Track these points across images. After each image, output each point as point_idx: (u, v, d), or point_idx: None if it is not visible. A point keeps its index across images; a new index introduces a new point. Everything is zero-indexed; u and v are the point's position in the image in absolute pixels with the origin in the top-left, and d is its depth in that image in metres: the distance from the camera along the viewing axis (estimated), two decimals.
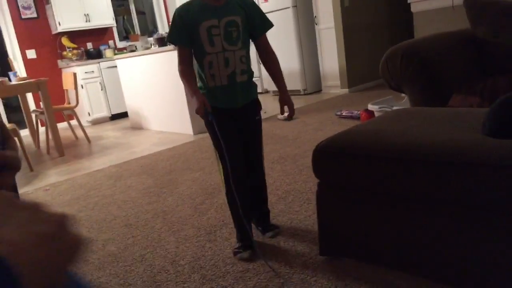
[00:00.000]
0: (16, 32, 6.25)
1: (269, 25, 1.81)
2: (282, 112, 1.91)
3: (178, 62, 1.76)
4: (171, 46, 4.42)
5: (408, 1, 4.84)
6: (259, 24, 1.78)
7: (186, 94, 4.32)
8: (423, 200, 1.34)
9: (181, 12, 1.69)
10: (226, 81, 1.71)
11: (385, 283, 1.44)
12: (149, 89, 4.98)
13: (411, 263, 1.43)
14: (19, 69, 6.17)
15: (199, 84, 1.78)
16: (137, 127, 5.50)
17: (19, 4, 6.26)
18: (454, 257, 1.31)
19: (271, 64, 1.86)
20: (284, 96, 1.87)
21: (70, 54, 6.49)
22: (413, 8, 4.82)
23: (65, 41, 6.54)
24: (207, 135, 1.82)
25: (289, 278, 1.57)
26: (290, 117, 1.92)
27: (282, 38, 5.68)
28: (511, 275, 1.20)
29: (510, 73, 2.07)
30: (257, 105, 1.85)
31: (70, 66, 6.33)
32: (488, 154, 1.18)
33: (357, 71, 5.61)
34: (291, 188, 2.46)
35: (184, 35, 1.70)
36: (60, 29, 6.31)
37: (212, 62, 1.69)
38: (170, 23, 1.75)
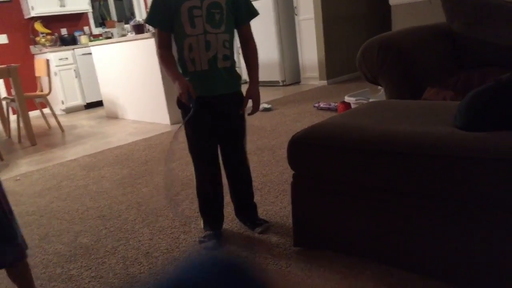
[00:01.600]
0: None
1: (254, 13, 1.75)
2: (245, 105, 1.78)
3: (157, 46, 1.69)
4: (148, 34, 4.34)
5: None
6: (245, 12, 1.71)
7: (164, 83, 4.26)
8: (396, 192, 1.36)
9: None
10: (206, 65, 1.64)
11: (357, 272, 1.45)
12: (125, 77, 4.88)
13: (384, 253, 1.45)
14: None
15: (179, 70, 1.71)
16: (113, 117, 5.40)
17: None
18: (425, 247, 1.33)
19: (249, 53, 1.79)
20: (252, 88, 1.77)
21: (43, 40, 6.28)
22: (391, 1, 4.85)
23: (38, 26, 6.33)
24: None
25: (263, 268, 1.56)
26: (252, 113, 1.80)
27: (262, 29, 5.64)
28: (480, 261, 1.23)
29: (483, 67, 2.10)
30: (241, 99, 1.78)
31: (43, 53, 6.14)
32: (459, 147, 1.20)
33: (335, 63, 5.63)
34: (267, 179, 2.45)
35: (164, 18, 1.64)
36: (33, 13, 6.10)
37: (192, 44, 1.62)
38: (150, 5, 1.69)
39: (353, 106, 3.53)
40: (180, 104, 1.73)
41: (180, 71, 1.70)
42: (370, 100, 3.19)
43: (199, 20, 1.60)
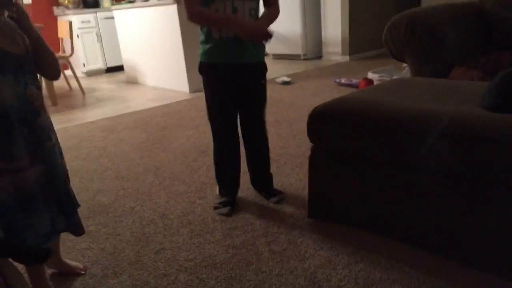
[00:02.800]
0: None
1: None
2: (250, 31, 1.59)
3: (189, 6, 1.58)
4: (170, 0, 4.29)
5: None
6: None
7: (184, 51, 4.24)
8: (414, 169, 1.35)
9: None
10: (232, 33, 1.61)
11: (369, 246, 1.46)
12: (146, 43, 4.87)
13: (398, 229, 1.45)
14: None
15: (201, 37, 1.69)
16: (133, 82, 5.42)
17: None
18: (440, 226, 1.33)
19: (270, 11, 1.71)
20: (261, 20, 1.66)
21: (66, 1, 6.27)
22: None
23: None
24: (203, 93, 1.79)
25: (276, 237, 1.59)
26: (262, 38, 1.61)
27: (286, 1, 5.52)
28: (497, 242, 1.23)
29: None
30: (264, 68, 1.78)
31: (66, 14, 6.14)
32: (486, 127, 1.18)
33: (359, 39, 5.51)
34: (284, 151, 2.46)
35: None
36: None
37: (219, 10, 1.58)
38: None
39: (375, 83, 3.47)
40: (202, 69, 1.73)
41: (203, 38, 1.68)
42: (394, 77, 3.13)
43: None
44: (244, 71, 1.71)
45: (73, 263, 1.51)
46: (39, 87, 1.22)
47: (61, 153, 1.32)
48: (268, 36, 1.56)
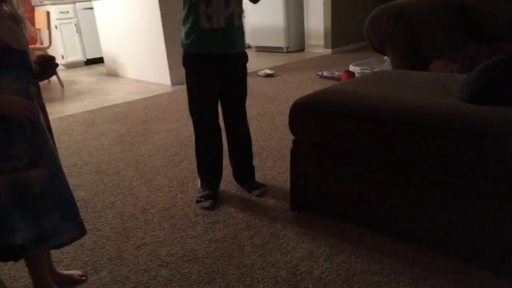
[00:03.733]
0: None
1: None
2: None
3: None
4: None
5: None
6: None
7: (166, 43, 4.18)
8: (394, 162, 1.36)
9: None
10: (224, 23, 1.60)
11: (351, 239, 1.47)
12: (127, 35, 4.78)
13: (379, 222, 1.47)
14: None
15: (186, 26, 1.64)
16: (113, 74, 5.33)
17: None
18: (419, 217, 1.35)
19: None
20: None
21: None
22: None
23: None
24: (185, 86, 1.77)
25: (258, 230, 1.59)
26: None
27: None
28: (481, 236, 1.25)
29: (494, 42, 2.06)
30: (246, 58, 1.79)
31: (43, 4, 5.98)
32: (463, 119, 1.19)
33: (342, 32, 5.52)
34: (266, 144, 2.45)
35: None
36: None
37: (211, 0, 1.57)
38: None
39: (357, 75, 3.49)
40: (187, 60, 1.71)
41: (189, 28, 1.63)
42: (375, 70, 3.15)
43: None
44: (230, 61, 1.71)
45: (69, 272, 1.43)
46: (38, 86, 1.18)
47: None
48: None
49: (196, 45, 1.65)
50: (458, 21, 2.29)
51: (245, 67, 1.80)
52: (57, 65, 1.24)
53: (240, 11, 1.65)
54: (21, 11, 1.14)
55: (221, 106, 1.81)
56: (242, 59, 1.77)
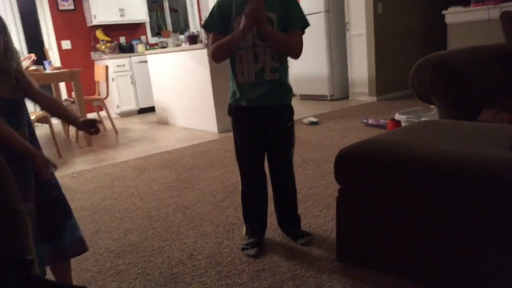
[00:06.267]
0: (53, 23, 6.45)
1: (303, 21, 1.71)
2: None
3: (211, 46, 1.72)
4: (201, 45, 4.49)
5: (443, 12, 4.76)
6: (294, 20, 1.69)
7: (213, 93, 4.39)
8: (443, 213, 1.33)
9: (220, 2, 1.73)
10: (253, 77, 1.70)
11: None
12: (177, 85, 5.06)
13: (430, 275, 1.42)
14: (54, 58, 6.36)
15: (231, 81, 1.79)
16: (164, 122, 5.60)
17: None
18: (475, 271, 1.29)
19: (290, 37, 1.70)
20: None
21: (103, 47, 6.65)
22: (447, 20, 4.74)
23: (99, 34, 6.71)
24: (231, 134, 1.85)
25: (304, 281, 1.57)
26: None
27: (312, 43, 5.67)
28: None
29: None
30: (289, 111, 1.81)
31: (102, 59, 6.49)
32: None
33: (386, 80, 5.55)
34: (312, 192, 2.46)
35: (219, 24, 1.72)
36: (95, 22, 6.48)
37: (242, 56, 1.70)
38: (209, 13, 1.77)
39: (403, 124, 3.46)
40: (230, 112, 1.81)
41: (231, 83, 1.79)
42: (422, 119, 3.12)
43: (249, 34, 1.65)
44: (269, 113, 1.77)
45: None
46: (30, 125, 1.35)
47: (58, 186, 1.42)
48: (259, 15, 1.55)
49: (235, 98, 1.78)
50: (506, 70, 2.26)
51: (289, 120, 1.82)
52: (99, 129, 1.50)
53: (277, 65, 1.71)
54: (19, 65, 1.32)
55: (267, 156, 1.86)
56: (283, 112, 1.80)
